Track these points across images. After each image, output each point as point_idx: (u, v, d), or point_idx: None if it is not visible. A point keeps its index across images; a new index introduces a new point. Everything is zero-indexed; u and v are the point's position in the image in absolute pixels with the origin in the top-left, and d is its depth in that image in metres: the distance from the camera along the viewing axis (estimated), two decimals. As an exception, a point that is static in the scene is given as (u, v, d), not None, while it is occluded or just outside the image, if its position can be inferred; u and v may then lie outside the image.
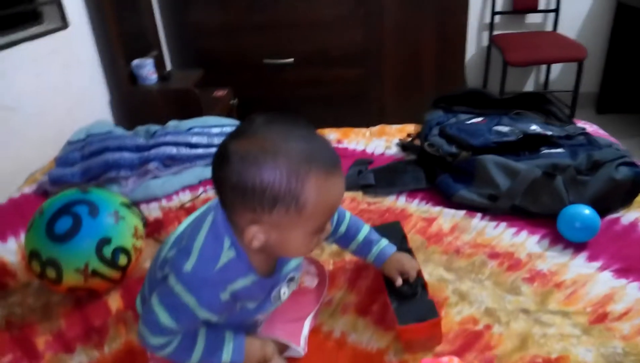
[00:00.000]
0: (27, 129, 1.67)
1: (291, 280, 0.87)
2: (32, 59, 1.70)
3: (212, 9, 2.52)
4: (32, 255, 1.05)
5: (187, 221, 0.86)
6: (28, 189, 1.55)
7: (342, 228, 0.99)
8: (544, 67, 3.12)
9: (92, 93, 2.08)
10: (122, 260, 1.08)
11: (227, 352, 0.82)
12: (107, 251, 1.05)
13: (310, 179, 0.66)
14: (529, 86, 3.20)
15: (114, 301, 1.11)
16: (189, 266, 0.74)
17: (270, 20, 2.51)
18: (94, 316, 1.07)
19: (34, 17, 1.81)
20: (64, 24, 1.86)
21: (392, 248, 1.02)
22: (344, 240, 1.02)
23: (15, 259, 1.26)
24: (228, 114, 2.28)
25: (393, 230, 1.13)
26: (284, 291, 0.86)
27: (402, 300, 0.95)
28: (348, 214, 1.01)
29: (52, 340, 1.02)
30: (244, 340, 0.85)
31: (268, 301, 0.84)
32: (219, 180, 0.71)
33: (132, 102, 2.18)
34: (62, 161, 1.59)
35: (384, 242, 1.02)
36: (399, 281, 0.97)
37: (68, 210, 1.05)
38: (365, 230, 1.02)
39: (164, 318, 0.75)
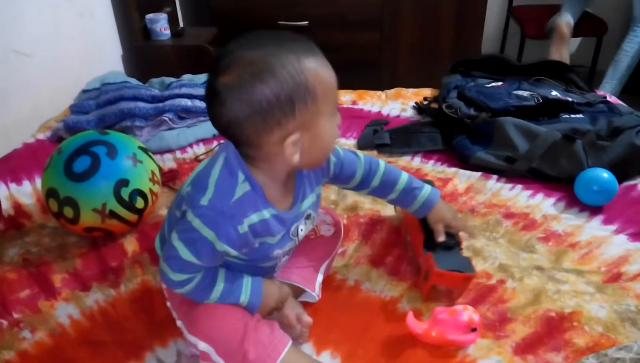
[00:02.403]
0: (42, 76, 1.65)
1: (308, 217, 0.87)
2: (47, 5, 1.68)
3: (227, -34, 2.47)
4: (49, 194, 1.06)
5: (201, 165, 0.86)
6: (42, 136, 1.55)
7: (375, 182, 0.95)
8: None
9: (105, 45, 2.06)
10: (140, 202, 1.08)
11: (245, 294, 0.82)
12: (125, 193, 1.05)
13: (305, 65, 0.68)
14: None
15: (130, 244, 1.12)
16: (205, 200, 0.74)
17: (286, -20, 2.46)
18: (109, 257, 1.08)
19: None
20: (79, -28, 1.84)
21: (436, 196, 0.97)
22: (380, 191, 0.97)
23: (30, 201, 1.27)
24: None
25: None
26: (302, 228, 0.86)
27: (437, 251, 0.94)
28: (382, 167, 0.96)
29: (69, 278, 1.04)
30: (261, 283, 0.85)
31: (287, 237, 0.84)
32: (230, 123, 0.70)
33: (144, 57, 2.15)
34: (76, 108, 1.58)
35: (427, 191, 0.97)
36: (442, 237, 0.95)
37: (86, 150, 1.05)
38: (404, 180, 0.97)
39: (185, 253, 0.75)
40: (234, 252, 0.76)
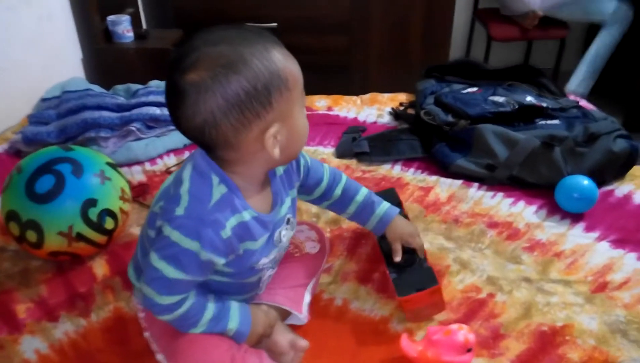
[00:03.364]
0: (-3, 83, 1.54)
1: (288, 222, 0.83)
2: (2, 8, 1.56)
3: (192, -34, 2.38)
4: (9, 217, 0.97)
5: (168, 179, 0.81)
6: (-1, 149, 1.45)
7: (338, 191, 0.94)
8: (526, 43, 3.12)
9: (66, 49, 1.94)
10: (109, 223, 1.01)
11: (233, 320, 0.77)
12: (93, 213, 0.98)
13: (274, 54, 0.67)
14: (512, 62, 3.20)
15: (100, 267, 1.04)
16: (180, 210, 0.70)
17: (253, -19, 2.40)
18: (77, 282, 1.01)
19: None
20: (35, -28, 1.72)
21: (394, 212, 0.96)
22: (340, 203, 0.96)
23: (-13, 222, 1.17)
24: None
25: (389, 197, 1.07)
26: (284, 233, 0.82)
27: (401, 269, 0.92)
28: (344, 177, 0.95)
29: (34, 307, 0.96)
30: (249, 310, 0.81)
31: (271, 243, 0.80)
32: (205, 124, 0.66)
33: (106, 61, 2.05)
34: (35, 118, 1.48)
35: (385, 206, 0.96)
36: (398, 257, 0.93)
37: (50, 168, 0.97)
38: (363, 192, 0.96)
39: (169, 271, 0.69)
40: (221, 261, 0.72)
